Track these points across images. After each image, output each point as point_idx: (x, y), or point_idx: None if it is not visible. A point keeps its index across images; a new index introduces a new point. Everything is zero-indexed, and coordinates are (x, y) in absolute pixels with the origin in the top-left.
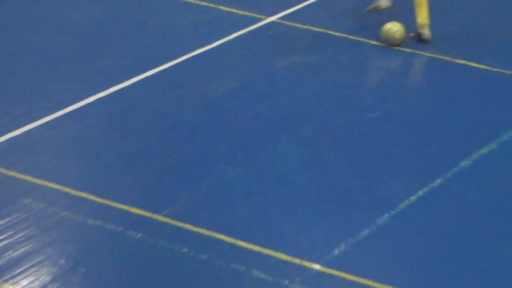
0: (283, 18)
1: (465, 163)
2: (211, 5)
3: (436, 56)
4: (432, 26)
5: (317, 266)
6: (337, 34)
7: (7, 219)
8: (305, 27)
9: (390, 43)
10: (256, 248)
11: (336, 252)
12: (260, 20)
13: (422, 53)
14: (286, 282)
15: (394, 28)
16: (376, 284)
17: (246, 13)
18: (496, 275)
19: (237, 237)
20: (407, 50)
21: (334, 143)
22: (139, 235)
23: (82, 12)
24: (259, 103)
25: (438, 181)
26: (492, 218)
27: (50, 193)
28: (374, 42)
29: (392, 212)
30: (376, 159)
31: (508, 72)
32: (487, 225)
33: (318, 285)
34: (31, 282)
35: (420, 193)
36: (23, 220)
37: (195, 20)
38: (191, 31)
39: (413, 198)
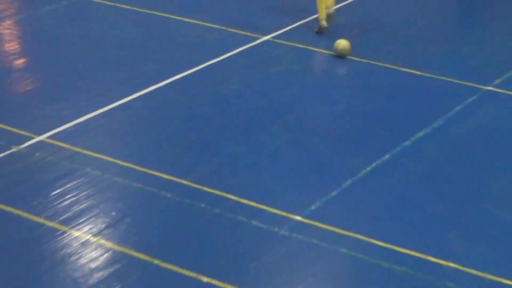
0: (274, 37)
1: (406, 143)
2: (223, 27)
3: (385, 65)
4: (385, 43)
5: (298, 218)
6: (313, 49)
7: (73, 183)
8: (290, 43)
9: (339, 53)
10: (254, 204)
11: (312, 207)
12: (257, 38)
13: (375, 63)
14: (276, 229)
15: (340, 42)
16: (341, 231)
17: (247, 33)
18: (427, 225)
19: (240, 196)
20: (364, 60)
21: (312, 128)
22: (169, 194)
23: (127, 32)
24: (257, 99)
25: (387, 156)
26: (426, 183)
27: (105, 164)
28: None
29: (354, 178)
30: (341, 139)
31: (437, 76)
32: (423, 188)
33: (299, 231)
34: (90, 228)
35: (374, 164)
36: (85, 183)
37: (210, 38)
38: (207, 46)
39: (369, 168)
